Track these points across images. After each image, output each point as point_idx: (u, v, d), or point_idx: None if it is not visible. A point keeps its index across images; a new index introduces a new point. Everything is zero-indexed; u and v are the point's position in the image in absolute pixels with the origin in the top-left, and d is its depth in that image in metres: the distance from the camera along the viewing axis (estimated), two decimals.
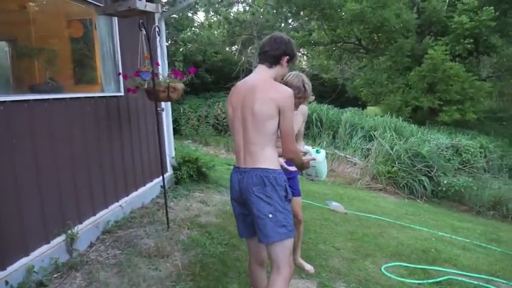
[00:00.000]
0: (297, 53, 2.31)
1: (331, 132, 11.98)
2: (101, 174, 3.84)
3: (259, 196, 2.12)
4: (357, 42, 20.18)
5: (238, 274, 3.24)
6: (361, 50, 20.78)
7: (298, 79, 2.94)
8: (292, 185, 3.25)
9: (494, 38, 15.90)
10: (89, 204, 3.63)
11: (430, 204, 8.18)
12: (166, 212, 4.01)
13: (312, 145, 9.12)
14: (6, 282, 2.60)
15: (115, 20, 4.14)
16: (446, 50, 15.37)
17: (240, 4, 23.43)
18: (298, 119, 3.18)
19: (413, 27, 17.14)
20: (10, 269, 2.68)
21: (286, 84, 2.91)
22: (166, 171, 5.36)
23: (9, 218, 2.72)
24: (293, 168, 3.03)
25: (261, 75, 2.25)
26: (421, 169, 8.72)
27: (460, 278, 3.71)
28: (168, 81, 3.77)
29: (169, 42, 15.79)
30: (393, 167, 8.80)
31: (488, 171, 10.21)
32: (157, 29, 4.35)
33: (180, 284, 3.00)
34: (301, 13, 20.97)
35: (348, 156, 10.21)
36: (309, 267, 3.49)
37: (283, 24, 23.47)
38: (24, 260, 2.80)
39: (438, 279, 3.61)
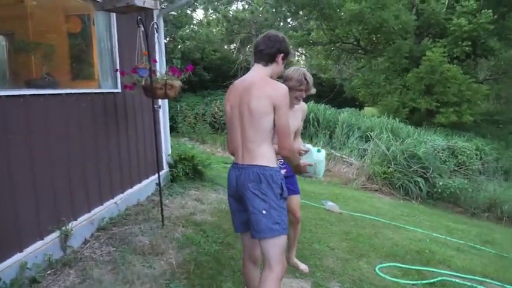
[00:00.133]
0: (292, 50, 2.33)
1: (328, 132, 12.00)
2: (97, 171, 3.82)
3: (255, 192, 2.15)
4: (355, 43, 20.20)
5: (233, 273, 3.24)
6: (360, 51, 20.80)
7: (299, 72, 2.97)
8: (291, 183, 3.26)
9: (492, 41, 15.94)
10: (84, 201, 3.61)
11: (425, 206, 8.22)
12: (162, 209, 4.00)
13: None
14: None
15: (113, 16, 4.12)
16: (444, 52, 15.41)
17: (239, 2, 23.46)
18: (298, 115, 3.19)
19: (412, 29, 17.17)
20: (3, 265, 2.66)
21: (287, 78, 2.96)
22: (162, 168, 5.35)
23: (3, 213, 2.70)
24: (282, 171, 3.03)
25: (258, 73, 2.28)
26: (416, 170, 8.75)
27: (453, 279, 3.73)
28: (165, 78, 3.76)
29: (167, 39, 15.77)
30: (389, 167, 8.82)
31: (484, 174, 10.27)
32: (155, 26, 4.33)
33: (174, 282, 2.99)
34: (300, 12, 20.97)
35: (344, 156, 10.23)
36: (303, 266, 3.49)
37: (282, 23, 23.48)
38: (17, 256, 2.79)
39: (432, 280, 3.62)
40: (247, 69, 2.38)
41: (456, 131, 14.52)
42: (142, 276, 3.00)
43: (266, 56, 2.26)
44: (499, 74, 18.32)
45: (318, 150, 2.90)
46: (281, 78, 2.67)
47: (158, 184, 4.17)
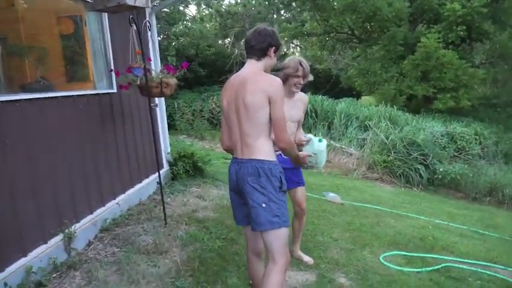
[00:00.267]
0: (282, 42, 2.36)
1: (326, 123, 11.96)
2: (97, 172, 3.82)
3: (254, 186, 2.18)
4: (349, 32, 20.09)
5: (237, 268, 3.24)
6: (354, 40, 20.69)
7: (295, 60, 3.10)
8: (296, 175, 3.28)
9: (487, 24, 15.85)
10: (85, 203, 3.61)
11: (427, 192, 8.23)
12: (164, 208, 4.00)
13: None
14: (5, 284, 2.59)
15: (105, 16, 4.09)
16: (439, 38, 15.34)
17: None
18: (299, 106, 3.22)
19: (406, 16, 17.06)
20: (8, 270, 2.67)
21: (284, 66, 3.09)
22: (162, 167, 5.34)
23: (5, 219, 2.70)
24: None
25: (251, 68, 2.31)
26: (416, 157, 8.75)
27: (457, 265, 3.75)
28: (160, 76, 3.74)
29: (161, 36, 15.67)
30: (389, 156, 8.81)
31: (484, 158, 10.28)
32: (148, 24, 4.31)
33: (179, 280, 3.00)
34: (293, 4, 20.83)
35: (343, 146, 10.21)
36: (307, 258, 3.50)
37: (275, 16, 23.35)
38: (22, 261, 2.79)
39: (436, 267, 3.64)
40: (242, 64, 2.39)
41: (454, 117, 14.51)
42: (147, 276, 3.00)
43: (258, 51, 2.29)
44: (495, 58, 18.24)
45: (320, 140, 2.91)
46: (274, 71, 2.69)
47: (159, 183, 4.17)
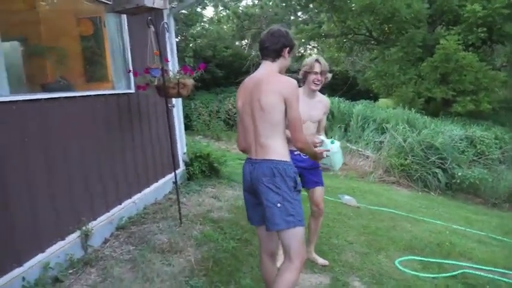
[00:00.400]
0: (296, 42, 2.39)
1: (343, 125, 11.89)
2: (114, 171, 3.87)
3: (269, 186, 2.19)
4: (367, 34, 19.92)
5: (251, 269, 3.24)
6: (372, 42, 20.50)
7: (312, 58, 3.24)
8: (316, 175, 3.29)
9: (508, 26, 15.49)
10: (102, 201, 3.66)
11: (444, 197, 8.09)
12: (179, 207, 4.03)
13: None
14: (23, 279, 2.65)
15: (124, 17, 4.15)
16: (458, 40, 15.07)
17: None
18: (318, 107, 3.25)
19: (425, 17, 16.82)
20: (27, 265, 2.73)
21: (303, 65, 3.25)
22: (179, 167, 5.39)
23: (24, 215, 2.76)
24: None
25: (266, 69, 2.33)
26: (434, 161, 8.61)
27: (475, 272, 3.67)
28: (177, 77, 3.78)
29: (178, 38, 15.80)
30: (406, 159, 8.70)
31: (504, 163, 10.02)
32: (165, 26, 4.35)
33: (193, 279, 3.02)
34: (311, 5, 20.76)
35: (360, 149, 10.12)
36: (321, 261, 3.48)
37: (292, 17, 23.32)
38: (40, 257, 2.85)
39: (453, 273, 3.57)
40: (259, 65, 2.41)
41: (474, 120, 14.23)
42: (161, 274, 3.03)
43: (272, 52, 2.32)
44: None
45: (332, 142, 2.88)
46: (290, 72, 2.73)
47: (175, 182, 4.20)
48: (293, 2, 21.02)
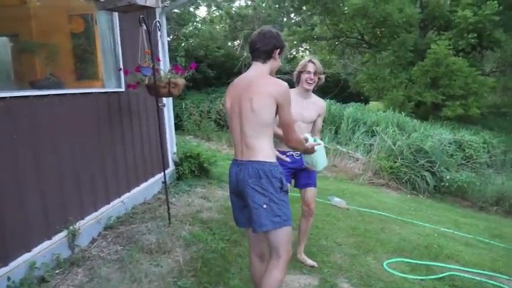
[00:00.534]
0: (286, 44, 2.39)
1: (334, 128, 11.93)
2: (103, 170, 3.84)
3: (255, 188, 2.19)
4: (359, 37, 20.07)
5: (240, 270, 3.24)
6: (364, 45, 20.66)
7: (306, 59, 3.32)
8: (309, 176, 3.30)
9: (498, 32, 15.73)
10: (90, 200, 3.63)
11: (433, 200, 8.15)
12: (168, 207, 4.01)
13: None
14: (9, 278, 2.61)
15: (115, 15, 4.12)
16: (449, 45, 15.27)
17: None
18: (311, 108, 3.29)
19: (416, 22, 17.01)
20: (12, 264, 2.69)
21: (297, 66, 3.32)
22: (168, 166, 5.36)
23: (11, 214, 2.72)
24: (287, 159, 3.09)
25: (256, 71, 2.32)
26: (423, 164, 8.67)
27: (462, 274, 3.70)
28: (169, 76, 3.75)
29: (171, 37, 15.75)
30: (395, 162, 8.75)
31: (492, 167, 10.16)
32: (158, 24, 4.32)
33: (181, 280, 3.00)
34: (303, 8, 20.85)
35: (350, 151, 10.17)
36: (310, 262, 3.49)
37: (285, 19, 23.38)
38: (26, 256, 2.81)
39: (440, 275, 3.60)
40: (251, 66, 2.40)
41: (463, 124, 14.39)
42: (149, 275, 3.01)
43: (263, 53, 2.30)
44: (506, 66, 18.12)
45: (314, 140, 2.88)
46: (280, 73, 2.74)
47: (164, 182, 4.18)
48: (286, 4, 21.09)
